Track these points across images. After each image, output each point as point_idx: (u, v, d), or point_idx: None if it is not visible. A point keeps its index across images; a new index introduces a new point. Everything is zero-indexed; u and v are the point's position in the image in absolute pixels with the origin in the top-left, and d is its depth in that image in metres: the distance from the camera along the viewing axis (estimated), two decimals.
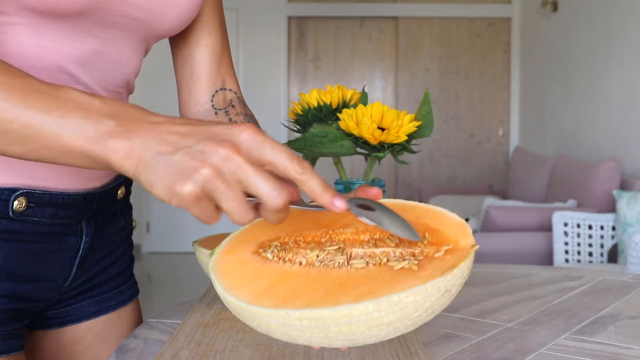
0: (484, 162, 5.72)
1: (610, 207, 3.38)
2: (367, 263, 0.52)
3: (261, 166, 0.48)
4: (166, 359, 0.62)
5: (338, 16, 5.67)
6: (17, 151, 0.53)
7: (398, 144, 0.81)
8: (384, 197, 0.84)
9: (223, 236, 0.87)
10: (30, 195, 0.70)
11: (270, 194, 0.47)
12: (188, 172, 0.46)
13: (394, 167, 5.72)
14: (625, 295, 0.84)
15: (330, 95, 0.86)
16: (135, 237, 5.40)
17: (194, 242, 0.83)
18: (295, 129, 0.90)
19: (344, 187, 0.83)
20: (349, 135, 0.81)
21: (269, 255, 0.54)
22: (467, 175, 5.73)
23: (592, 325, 0.71)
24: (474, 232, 4.00)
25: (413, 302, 0.47)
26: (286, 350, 0.65)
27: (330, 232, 0.58)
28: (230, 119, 0.84)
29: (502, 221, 3.42)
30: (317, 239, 0.58)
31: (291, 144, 0.83)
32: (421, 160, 5.72)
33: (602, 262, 3.26)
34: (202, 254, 0.79)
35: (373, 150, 0.81)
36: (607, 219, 3.24)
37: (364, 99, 0.89)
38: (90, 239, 0.79)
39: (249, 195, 0.48)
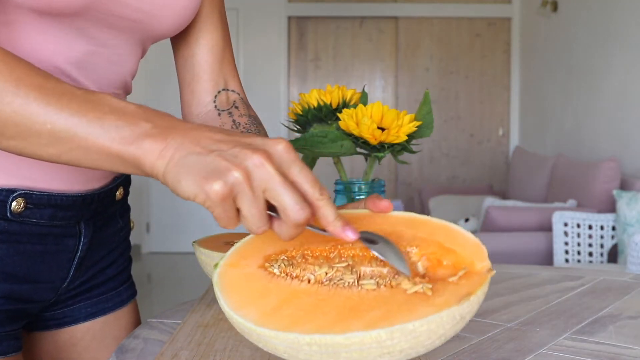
0: (484, 162, 5.72)
1: (610, 207, 3.38)
2: (378, 284, 0.51)
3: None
4: (166, 359, 0.62)
5: (338, 16, 5.67)
6: (50, 152, 0.53)
7: (398, 144, 0.81)
8: (384, 197, 0.84)
9: (223, 236, 0.87)
10: (29, 196, 0.69)
11: (294, 207, 0.47)
12: (220, 171, 0.47)
13: (394, 167, 5.72)
14: (625, 295, 0.84)
15: (330, 95, 0.86)
16: (135, 237, 5.41)
17: (194, 242, 0.83)
18: (295, 129, 0.90)
19: (344, 187, 0.83)
20: (349, 135, 0.81)
21: (276, 271, 0.53)
22: (467, 175, 5.73)
23: (592, 325, 0.71)
24: (474, 232, 4.00)
25: (427, 331, 0.46)
26: None
27: (339, 246, 0.57)
28: (233, 120, 0.83)
29: (502, 221, 3.42)
30: (325, 254, 0.56)
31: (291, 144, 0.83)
32: (421, 160, 5.72)
33: (602, 262, 3.26)
34: (202, 254, 0.79)
35: (373, 150, 0.81)
36: (607, 219, 3.24)
37: (364, 99, 0.89)
38: (89, 241, 0.79)
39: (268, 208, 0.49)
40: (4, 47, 0.65)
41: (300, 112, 0.87)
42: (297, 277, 0.53)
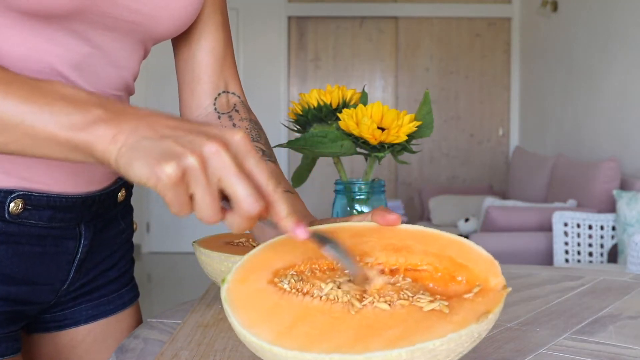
0: (484, 162, 5.72)
1: (610, 207, 3.38)
2: (391, 303, 0.50)
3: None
4: (166, 359, 0.62)
5: (338, 16, 5.67)
6: None
7: (398, 144, 0.81)
8: (383, 197, 0.84)
9: (223, 236, 0.87)
10: (27, 197, 0.69)
11: (247, 198, 0.46)
12: (173, 154, 0.45)
13: (394, 167, 5.72)
14: (625, 295, 0.84)
15: (330, 95, 0.86)
16: (135, 237, 5.40)
17: (194, 242, 0.83)
18: (295, 129, 0.90)
19: (344, 187, 0.83)
20: (349, 135, 0.81)
21: (286, 286, 0.52)
22: (467, 175, 5.73)
23: (592, 325, 0.71)
24: (474, 232, 4.01)
25: (446, 350, 0.45)
26: None
27: None
28: (234, 125, 0.82)
29: (502, 221, 3.42)
30: (332, 267, 0.55)
31: (291, 144, 0.83)
32: (421, 160, 5.72)
33: (602, 262, 3.26)
34: (202, 254, 0.79)
35: (373, 150, 0.81)
36: (607, 219, 3.24)
37: (364, 99, 0.89)
38: (89, 242, 0.78)
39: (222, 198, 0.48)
40: (0, 49, 0.64)
41: (300, 112, 0.87)
42: (307, 293, 0.52)
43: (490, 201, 3.77)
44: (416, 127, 0.80)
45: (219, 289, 0.88)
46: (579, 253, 3.26)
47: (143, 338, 0.70)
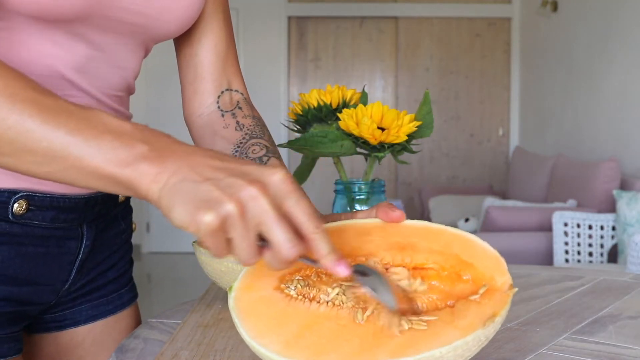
0: (484, 162, 5.72)
1: (610, 207, 3.38)
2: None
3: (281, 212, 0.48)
4: (166, 359, 0.62)
5: (338, 16, 5.67)
6: (44, 170, 0.52)
7: (398, 144, 0.81)
8: (383, 197, 0.84)
9: None
10: (31, 198, 0.69)
11: (285, 244, 0.46)
12: (213, 202, 0.46)
13: (394, 167, 5.72)
14: (625, 295, 0.84)
15: (330, 95, 0.86)
16: (135, 238, 5.40)
17: (194, 242, 0.83)
18: (295, 129, 0.90)
19: (344, 187, 0.83)
20: (349, 135, 0.81)
21: (292, 292, 0.52)
22: (467, 175, 5.73)
23: (592, 325, 0.71)
24: (474, 232, 4.00)
25: (453, 356, 0.45)
26: None
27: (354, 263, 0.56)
28: (237, 122, 0.82)
29: (502, 221, 3.42)
30: None
31: (291, 144, 0.83)
32: (421, 160, 5.72)
33: (602, 262, 3.26)
34: (202, 254, 0.79)
35: (373, 150, 0.81)
36: (607, 219, 3.24)
37: (364, 99, 0.89)
38: (91, 243, 0.78)
39: (260, 238, 0.48)
40: (4, 52, 0.64)
41: (300, 112, 0.87)
42: (314, 298, 0.52)
43: (490, 201, 3.77)
44: (416, 127, 0.80)
45: (219, 289, 0.88)
46: (579, 253, 3.26)
47: (143, 338, 0.70)
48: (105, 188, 0.51)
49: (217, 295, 0.85)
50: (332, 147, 0.81)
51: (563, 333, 0.68)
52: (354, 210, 0.69)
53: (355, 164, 5.45)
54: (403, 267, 0.55)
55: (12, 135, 0.51)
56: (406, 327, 0.48)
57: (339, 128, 0.84)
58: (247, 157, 0.78)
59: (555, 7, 4.67)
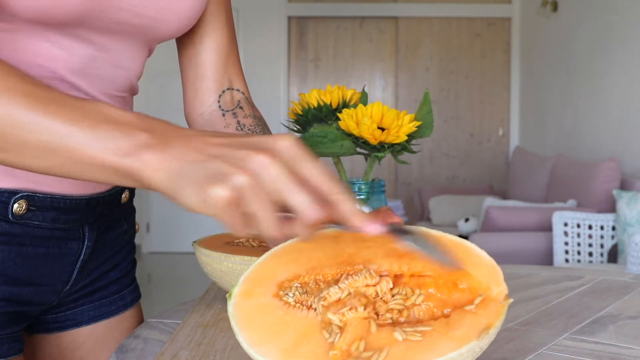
0: (484, 162, 5.72)
1: (610, 207, 3.38)
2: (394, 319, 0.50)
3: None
4: (166, 359, 0.62)
5: (338, 16, 5.67)
6: (40, 165, 0.51)
7: (398, 144, 0.81)
8: (383, 197, 0.84)
9: (223, 236, 0.87)
10: (31, 198, 0.68)
11: (306, 208, 0.44)
12: (222, 176, 0.44)
13: (394, 167, 5.72)
14: (625, 295, 0.84)
15: (330, 95, 0.86)
16: (136, 238, 5.40)
17: (194, 242, 0.83)
18: (295, 129, 0.90)
19: None
20: (349, 135, 0.81)
21: (291, 300, 0.52)
22: (467, 175, 5.73)
23: (592, 325, 0.71)
24: (474, 232, 4.00)
25: None
26: None
27: (349, 269, 0.55)
28: (238, 122, 0.82)
29: (502, 221, 3.42)
30: (337, 277, 0.55)
31: None
32: (421, 160, 5.72)
33: (602, 262, 3.26)
34: (202, 254, 0.79)
35: (373, 150, 0.81)
36: (607, 219, 3.24)
37: (364, 99, 0.89)
38: (92, 244, 0.78)
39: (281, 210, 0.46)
40: (5, 54, 0.64)
41: (300, 112, 0.87)
42: (311, 306, 0.52)
43: (490, 201, 3.77)
44: (416, 127, 0.80)
45: (219, 289, 0.88)
46: (579, 253, 3.26)
47: (143, 338, 0.70)
48: (107, 179, 0.50)
49: (217, 295, 0.85)
50: (332, 147, 0.81)
51: (563, 333, 0.68)
52: None
53: (355, 164, 5.45)
54: (401, 274, 0.55)
55: (9, 130, 0.50)
56: (400, 338, 0.48)
57: (339, 128, 0.84)
58: None
59: (555, 7, 4.67)
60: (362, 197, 0.82)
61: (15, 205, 0.67)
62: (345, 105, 0.86)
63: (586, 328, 0.69)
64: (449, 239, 0.56)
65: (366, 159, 0.85)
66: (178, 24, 0.75)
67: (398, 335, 0.48)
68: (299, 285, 0.54)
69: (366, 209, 0.82)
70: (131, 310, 0.87)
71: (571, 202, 3.64)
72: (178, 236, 5.56)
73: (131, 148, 0.48)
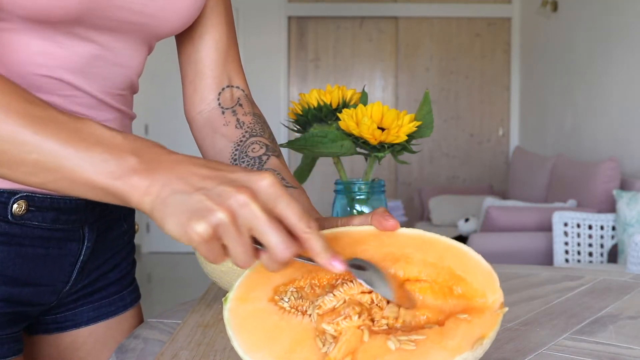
0: (484, 162, 5.72)
1: (610, 207, 3.38)
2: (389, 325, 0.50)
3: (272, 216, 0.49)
4: (166, 359, 0.62)
5: (338, 16, 5.67)
6: (35, 181, 0.53)
7: (398, 144, 0.81)
8: (383, 197, 0.84)
9: None
10: (31, 198, 0.68)
11: (279, 246, 0.47)
12: (203, 212, 0.47)
13: (394, 167, 5.72)
14: (625, 295, 0.84)
15: (330, 95, 0.86)
16: (136, 238, 5.39)
17: None
18: (295, 129, 0.90)
19: (344, 187, 0.83)
20: (349, 135, 0.81)
21: (286, 305, 0.53)
22: (467, 175, 5.73)
23: (592, 325, 0.71)
24: (474, 232, 4.00)
25: None
26: None
27: (345, 276, 0.56)
28: (237, 120, 0.82)
29: (502, 221, 3.42)
30: (332, 282, 0.56)
31: (291, 144, 0.83)
32: (421, 160, 5.72)
33: (602, 262, 3.26)
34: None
35: (373, 150, 0.81)
36: (607, 219, 3.24)
37: (364, 99, 0.89)
38: (92, 244, 0.78)
39: (255, 241, 0.49)
40: (4, 53, 0.64)
41: (300, 112, 0.87)
42: (306, 312, 0.52)
43: (490, 201, 3.77)
44: (416, 127, 0.80)
45: (219, 289, 0.88)
46: (578, 253, 3.26)
47: (143, 338, 0.70)
48: (99, 198, 0.52)
49: (217, 295, 0.85)
50: (332, 147, 0.81)
51: (563, 333, 0.68)
52: (351, 215, 0.69)
53: (355, 164, 5.45)
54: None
55: (5, 147, 0.52)
56: (393, 347, 0.48)
57: (339, 128, 0.84)
58: (247, 156, 0.78)
59: (555, 7, 4.67)
60: (362, 197, 0.82)
61: (15, 206, 0.67)
62: (345, 105, 0.86)
63: (586, 328, 0.70)
64: (446, 243, 0.56)
65: (366, 159, 0.85)
66: (177, 21, 0.75)
67: (391, 344, 0.48)
68: (295, 289, 0.54)
69: (366, 209, 0.82)
70: (131, 311, 0.87)
71: (571, 202, 3.64)
72: None
73: (120, 171, 0.50)
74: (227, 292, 0.83)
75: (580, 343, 0.65)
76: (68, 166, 0.51)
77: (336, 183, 0.84)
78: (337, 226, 0.63)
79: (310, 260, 0.51)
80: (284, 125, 0.98)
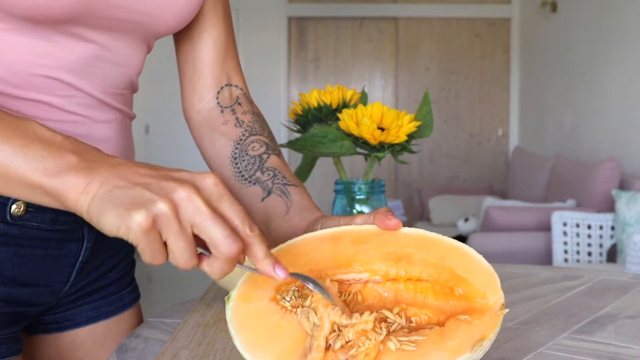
0: (484, 162, 5.73)
1: (610, 207, 3.38)
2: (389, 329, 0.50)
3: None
4: (166, 358, 0.62)
5: (338, 16, 5.67)
6: None
7: (398, 144, 0.81)
8: (383, 197, 0.84)
9: None
10: None
11: (224, 240, 0.45)
12: (143, 202, 0.45)
13: (394, 167, 5.72)
14: (624, 294, 0.84)
15: (330, 96, 0.86)
16: None
17: None
18: (295, 129, 0.90)
19: (344, 187, 0.83)
20: (349, 135, 0.81)
21: (287, 304, 0.53)
22: (467, 175, 5.73)
23: (591, 324, 0.71)
24: (474, 232, 4.01)
25: None
26: None
27: (348, 271, 0.56)
28: (237, 118, 0.82)
29: (502, 221, 3.42)
30: (334, 279, 0.56)
31: (291, 144, 0.84)
32: (421, 160, 5.72)
33: (601, 262, 3.27)
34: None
35: (373, 150, 0.81)
36: (606, 218, 3.24)
37: (364, 99, 0.89)
38: (92, 245, 0.77)
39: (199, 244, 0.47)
40: (2, 54, 0.64)
41: (300, 112, 0.87)
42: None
43: (490, 201, 3.77)
44: (416, 127, 0.80)
45: (219, 289, 0.88)
46: (578, 253, 3.26)
47: (143, 337, 0.70)
48: (36, 199, 0.50)
49: (217, 295, 0.85)
50: (332, 147, 0.82)
51: (562, 332, 0.68)
52: (353, 214, 0.69)
53: (355, 164, 5.45)
54: (397, 279, 0.55)
55: None
56: (394, 348, 0.48)
57: (339, 128, 0.84)
58: (247, 154, 0.78)
59: (554, 8, 4.67)
60: (362, 197, 0.82)
61: (14, 207, 0.67)
62: (345, 105, 0.86)
63: (585, 327, 0.70)
64: (448, 243, 0.56)
65: (366, 159, 0.85)
66: (175, 19, 0.75)
67: (392, 345, 0.48)
68: (296, 289, 0.54)
69: (366, 209, 0.82)
70: (130, 311, 0.87)
71: (570, 202, 3.64)
72: None
73: (57, 169, 0.48)
74: (227, 291, 0.83)
75: (579, 343, 0.65)
76: (2, 162, 0.49)
77: (336, 183, 0.84)
78: (339, 225, 0.63)
79: (253, 268, 0.50)
80: (284, 125, 0.98)
